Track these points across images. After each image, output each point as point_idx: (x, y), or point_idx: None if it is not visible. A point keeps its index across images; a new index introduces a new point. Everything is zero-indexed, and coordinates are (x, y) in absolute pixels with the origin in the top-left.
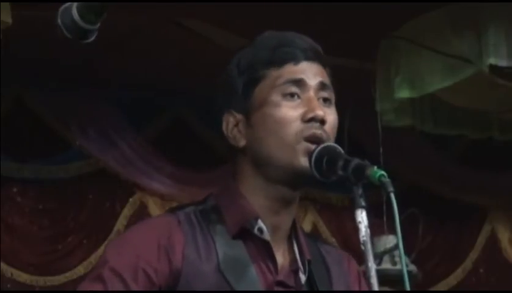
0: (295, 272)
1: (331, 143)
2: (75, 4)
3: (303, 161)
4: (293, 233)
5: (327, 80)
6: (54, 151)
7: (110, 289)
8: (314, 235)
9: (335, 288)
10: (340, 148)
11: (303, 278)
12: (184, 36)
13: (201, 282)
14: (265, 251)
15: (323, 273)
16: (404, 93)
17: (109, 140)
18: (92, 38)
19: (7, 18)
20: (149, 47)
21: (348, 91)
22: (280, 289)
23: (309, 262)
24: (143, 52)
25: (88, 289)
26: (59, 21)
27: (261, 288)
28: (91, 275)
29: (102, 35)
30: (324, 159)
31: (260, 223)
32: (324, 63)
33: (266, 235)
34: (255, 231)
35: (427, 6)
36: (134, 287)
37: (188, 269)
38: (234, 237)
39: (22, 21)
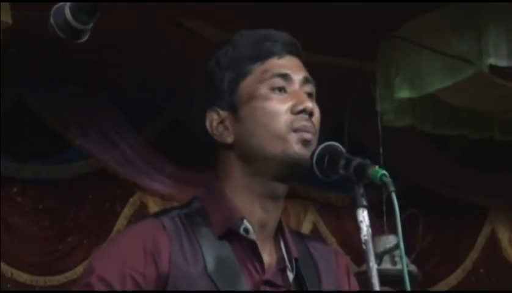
0: (282, 271)
1: (333, 142)
2: (68, 4)
3: (298, 148)
4: (279, 231)
5: (309, 75)
6: (54, 151)
7: None
8: (301, 232)
9: (324, 285)
10: (341, 147)
11: (290, 276)
12: (184, 36)
13: (189, 285)
14: (251, 250)
15: (311, 271)
16: (404, 93)
17: (109, 140)
18: (85, 38)
19: (7, 18)
20: (149, 47)
21: (348, 91)
22: (268, 288)
23: (296, 260)
24: (143, 52)
25: None
26: (52, 20)
27: (248, 288)
28: (80, 284)
29: (102, 35)
30: (326, 158)
31: (246, 223)
32: (302, 58)
33: (252, 235)
34: (241, 231)
35: (427, 6)
36: None
37: (175, 273)
38: (220, 238)
39: (22, 21)
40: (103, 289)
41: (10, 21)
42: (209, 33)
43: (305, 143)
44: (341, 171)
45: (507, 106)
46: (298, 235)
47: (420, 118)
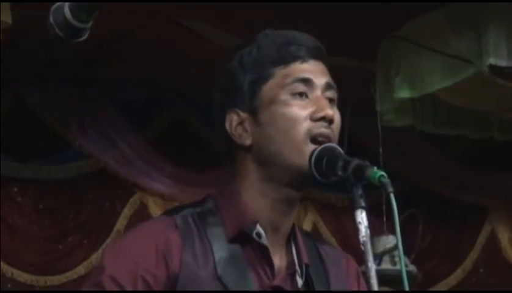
0: (292, 276)
1: (331, 143)
2: (67, 3)
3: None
4: (292, 236)
5: (331, 81)
6: (54, 151)
7: None
8: (313, 234)
9: (333, 289)
10: (339, 149)
11: (300, 281)
12: (183, 36)
13: (198, 287)
14: (262, 255)
15: (321, 275)
16: (404, 93)
17: (109, 140)
18: (84, 37)
19: (7, 18)
20: (149, 47)
21: (348, 91)
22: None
23: (306, 266)
24: (143, 52)
25: None
26: (51, 19)
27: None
28: (90, 282)
29: (102, 34)
30: (324, 160)
31: (259, 228)
32: (326, 62)
33: (264, 240)
34: (253, 235)
35: (427, 6)
36: None
37: (185, 274)
38: (232, 241)
39: (22, 21)
40: (114, 288)
41: (10, 21)
42: (210, 33)
43: None
44: (340, 173)
45: (507, 106)
46: (310, 237)
47: (420, 118)
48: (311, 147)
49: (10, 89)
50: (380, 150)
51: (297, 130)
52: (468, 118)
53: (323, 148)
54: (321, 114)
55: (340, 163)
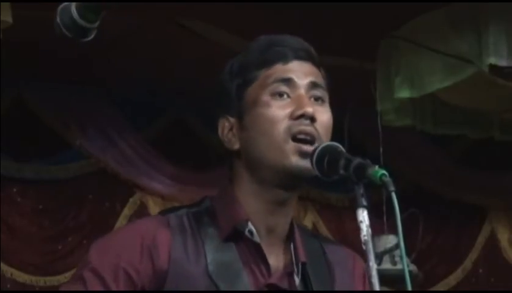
0: (290, 274)
1: (333, 142)
2: (74, 3)
3: (295, 160)
4: (291, 235)
5: (319, 80)
6: (54, 151)
7: (90, 289)
8: (320, 234)
9: (337, 288)
10: (341, 147)
11: (297, 280)
12: (184, 36)
13: (188, 284)
14: (256, 253)
15: (322, 275)
16: (404, 93)
17: (109, 140)
18: (91, 37)
19: (7, 18)
20: (150, 47)
21: (348, 91)
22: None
23: (303, 264)
24: (143, 52)
25: (70, 289)
26: (58, 19)
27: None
28: (74, 275)
29: (102, 34)
30: (326, 158)
31: (250, 226)
32: (317, 64)
33: (256, 238)
34: (246, 232)
35: (427, 6)
36: (113, 288)
37: (175, 271)
38: (226, 240)
39: (22, 21)
40: (94, 281)
41: (10, 20)
42: (210, 33)
43: (303, 154)
44: (341, 171)
45: (507, 106)
46: (315, 237)
47: (420, 118)
48: (292, 145)
49: (10, 89)
50: (381, 150)
51: (276, 129)
52: (468, 118)
53: (324, 146)
54: (299, 112)
55: (342, 162)
